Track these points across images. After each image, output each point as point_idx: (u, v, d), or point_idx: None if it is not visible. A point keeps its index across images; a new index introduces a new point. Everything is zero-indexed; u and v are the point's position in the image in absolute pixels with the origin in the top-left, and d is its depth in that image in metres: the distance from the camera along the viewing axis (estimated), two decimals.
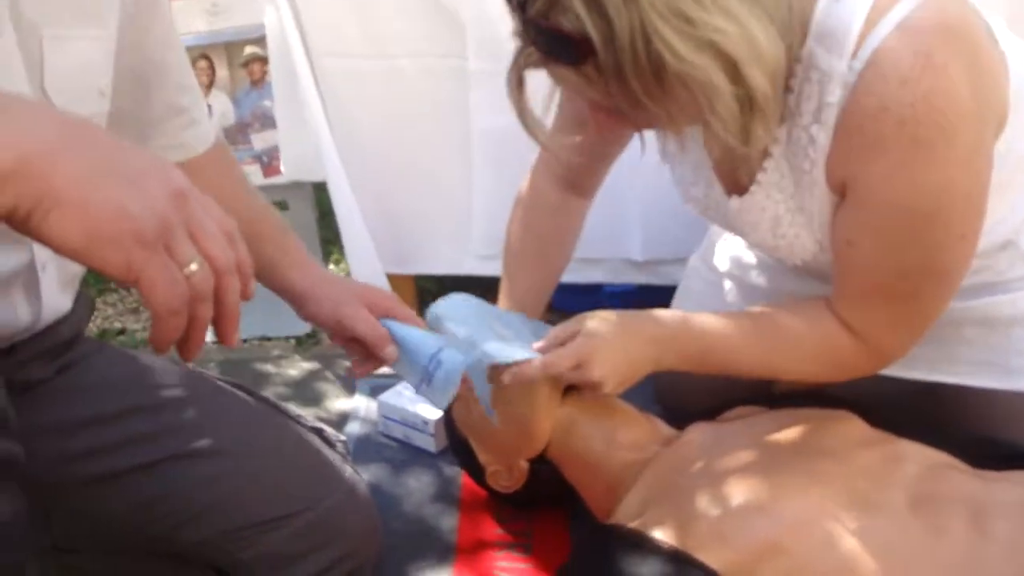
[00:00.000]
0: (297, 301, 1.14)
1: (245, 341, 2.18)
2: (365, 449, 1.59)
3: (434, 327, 1.16)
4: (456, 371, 1.06)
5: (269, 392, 1.83)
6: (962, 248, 1.00)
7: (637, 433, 1.16)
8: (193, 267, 0.56)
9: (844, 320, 1.08)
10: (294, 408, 1.22)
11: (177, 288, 0.55)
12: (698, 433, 1.15)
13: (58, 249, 0.53)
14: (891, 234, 1.00)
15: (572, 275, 1.50)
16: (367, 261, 1.95)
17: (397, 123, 1.87)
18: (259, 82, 2.24)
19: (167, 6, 1.10)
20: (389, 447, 1.59)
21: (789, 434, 1.10)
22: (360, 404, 1.76)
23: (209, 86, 2.28)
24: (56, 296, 0.99)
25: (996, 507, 0.98)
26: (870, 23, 0.92)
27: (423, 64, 1.82)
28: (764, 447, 1.08)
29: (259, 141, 2.28)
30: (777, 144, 1.04)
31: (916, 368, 1.20)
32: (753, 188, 1.09)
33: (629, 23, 0.82)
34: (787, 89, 0.99)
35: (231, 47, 2.26)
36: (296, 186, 2.22)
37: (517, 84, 0.97)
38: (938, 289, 1.04)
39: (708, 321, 1.13)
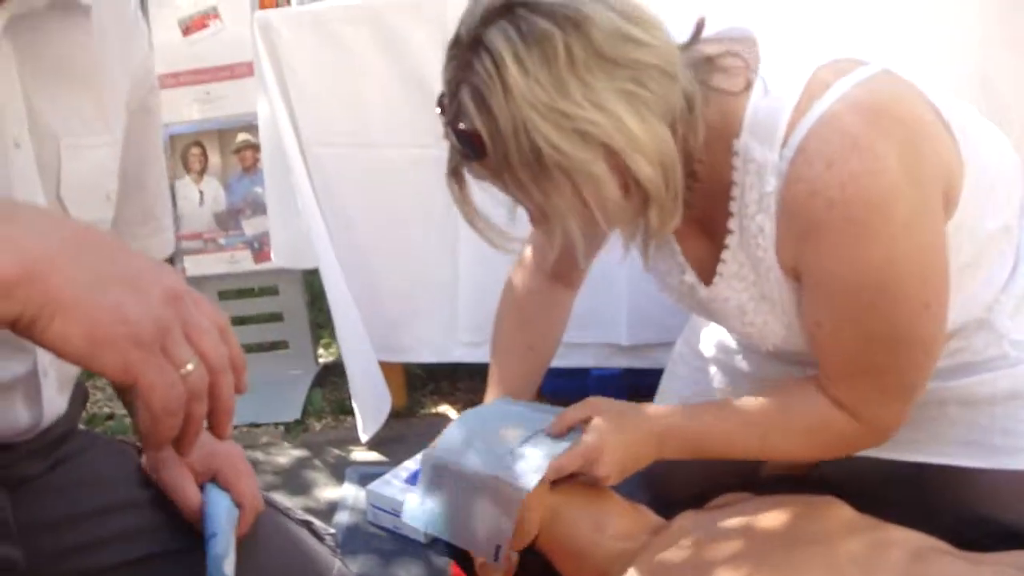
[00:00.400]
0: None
1: (235, 428, 2.17)
2: (354, 539, 1.58)
3: (434, 475, 1.17)
4: (214, 564, 0.98)
5: (259, 481, 1.82)
6: (929, 317, 1.01)
7: (625, 523, 1.16)
8: (189, 367, 0.58)
9: (834, 398, 1.09)
10: (283, 499, 1.22)
11: (175, 390, 0.57)
12: (686, 522, 1.15)
13: (60, 353, 0.55)
14: (851, 312, 1.02)
15: (560, 360, 1.51)
16: (360, 347, 1.96)
17: (385, 212, 1.90)
18: (251, 168, 2.28)
19: (159, 116, 1.13)
20: (378, 537, 1.59)
21: (776, 522, 1.10)
22: (349, 493, 1.75)
23: (201, 172, 2.32)
24: (55, 399, 0.99)
25: None
26: (799, 112, 0.96)
27: (410, 154, 1.86)
28: (751, 536, 1.08)
29: (250, 227, 2.31)
30: (732, 235, 1.07)
31: (903, 450, 1.21)
32: (715, 279, 1.12)
33: (511, 119, 0.91)
34: (731, 182, 1.03)
35: (224, 134, 2.30)
36: (287, 271, 2.25)
37: (457, 182, 1.05)
38: (916, 358, 1.05)
39: (705, 410, 1.16)
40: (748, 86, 1.00)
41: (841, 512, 1.12)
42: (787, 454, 1.15)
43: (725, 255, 1.09)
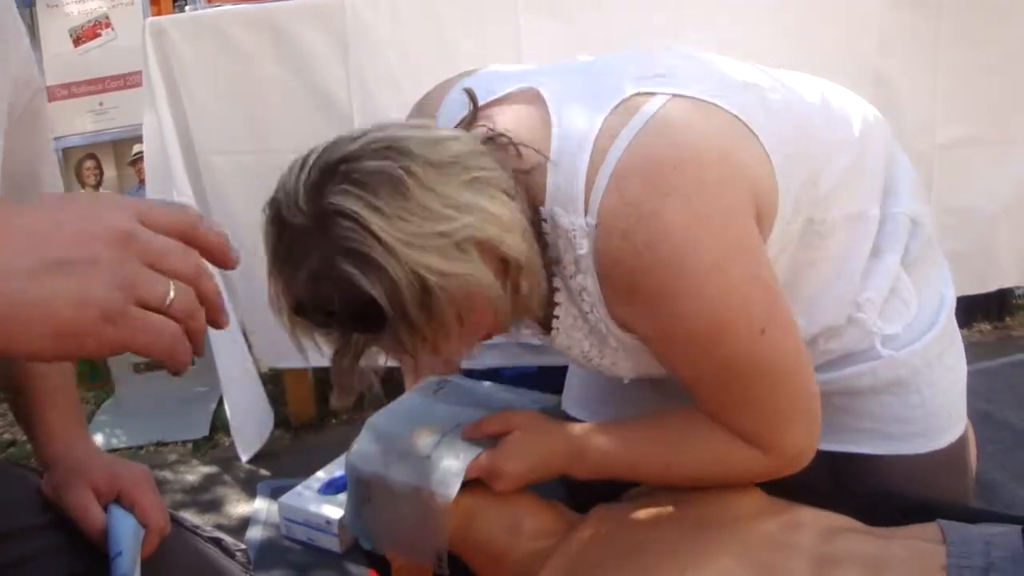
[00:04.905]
0: (41, 464, 1.07)
1: (141, 448, 2.12)
2: (269, 554, 1.55)
3: (359, 488, 1.16)
4: None
5: (166, 500, 1.77)
6: (773, 339, 1.00)
7: (540, 521, 1.16)
8: (171, 295, 0.54)
9: (730, 431, 1.08)
10: (193, 517, 1.18)
11: (166, 332, 0.53)
12: (601, 516, 1.15)
13: (30, 358, 0.52)
14: (694, 361, 1.02)
15: (472, 361, 1.50)
16: (238, 365, 1.93)
17: None
18: None
19: (47, 118, 1.09)
20: (293, 550, 1.55)
21: (688, 508, 1.11)
22: (261, 507, 1.71)
23: (97, 186, 2.24)
24: None
25: (893, 564, 1.01)
26: (590, 178, 0.97)
27: None
28: (664, 524, 1.09)
29: None
30: (560, 292, 1.08)
31: None
32: (553, 332, 1.13)
33: (399, 265, 0.87)
34: (544, 244, 1.03)
35: (119, 145, 2.24)
36: None
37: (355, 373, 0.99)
38: (781, 380, 1.04)
39: (616, 436, 1.14)
40: (536, 162, 1.00)
41: (752, 496, 1.14)
42: (695, 483, 1.13)
43: (557, 311, 1.10)
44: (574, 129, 0.99)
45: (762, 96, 1.07)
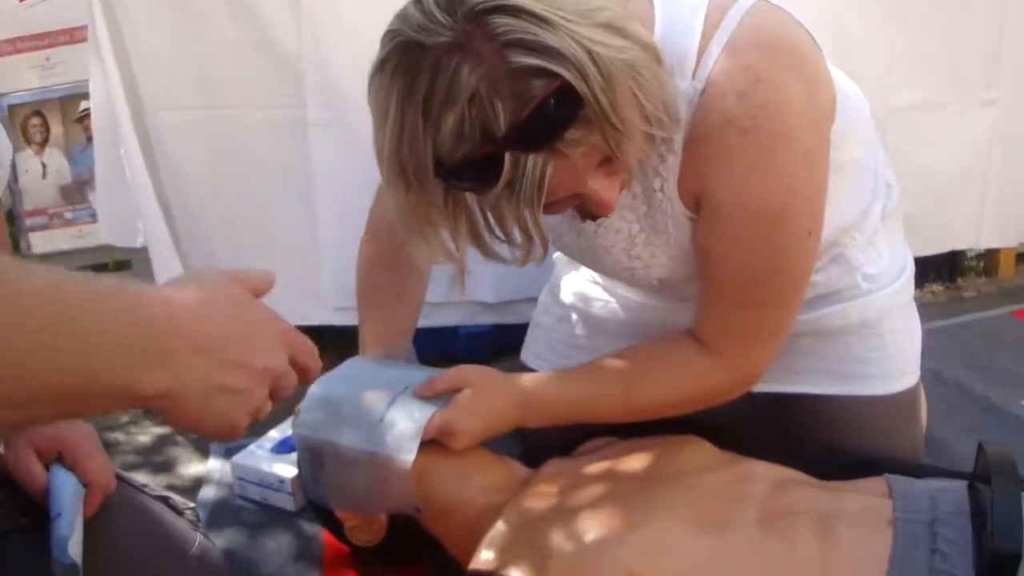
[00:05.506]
0: None
1: None
2: (222, 513, 1.53)
3: (311, 454, 1.15)
4: (58, 546, 0.94)
5: (117, 461, 1.75)
6: (808, 245, 1.07)
7: (492, 476, 1.16)
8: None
9: (702, 339, 1.12)
10: (144, 478, 1.17)
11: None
12: (552, 470, 1.16)
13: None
14: (744, 238, 1.05)
15: (428, 319, 1.49)
16: None
17: (236, 176, 1.83)
18: None
19: None
20: (247, 510, 1.54)
21: (638, 463, 1.12)
22: (215, 467, 1.69)
23: (43, 144, 2.19)
24: None
25: (842, 517, 1.03)
26: (702, 48, 0.98)
27: (262, 115, 1.80)
28: (615, 478, 1.10)
29: None
30: None
31: (759, 382, 1.24)
32: None
33: (570, 45, 0.81)
34: None
35: (65, 102, 2.18)
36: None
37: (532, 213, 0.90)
38: (789, 293, 1.10)
39: (572, 377, 1.17)
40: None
41: (701, 450, 1.15)
42: (652, 412, 1.17)
43: None
44: (681, 4, 1.01)
45: None
